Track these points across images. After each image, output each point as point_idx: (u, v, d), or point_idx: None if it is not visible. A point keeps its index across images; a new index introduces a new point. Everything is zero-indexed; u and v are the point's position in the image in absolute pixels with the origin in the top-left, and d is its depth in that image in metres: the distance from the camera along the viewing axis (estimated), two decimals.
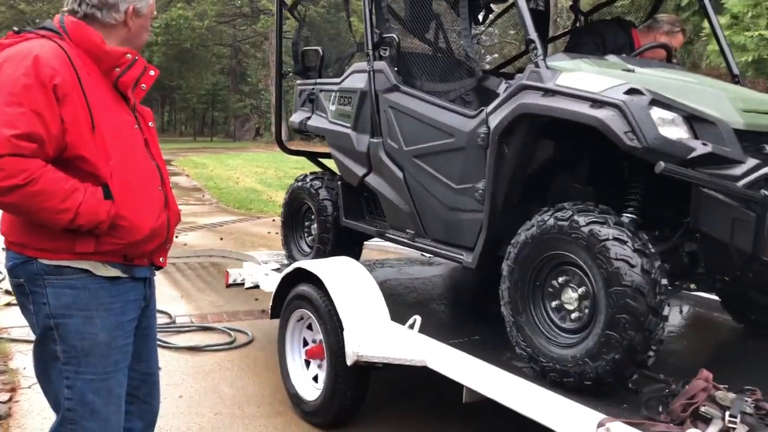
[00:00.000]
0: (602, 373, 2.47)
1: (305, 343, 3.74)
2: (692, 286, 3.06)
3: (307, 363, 3.71)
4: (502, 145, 3.01)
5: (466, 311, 3.82)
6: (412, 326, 3.17)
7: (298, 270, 3.69)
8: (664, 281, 2.51)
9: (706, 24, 7.08)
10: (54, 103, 1.84)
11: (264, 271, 4.59)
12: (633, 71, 2.96)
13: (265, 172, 17.88)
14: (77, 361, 1.99)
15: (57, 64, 1.87)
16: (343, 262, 3.67)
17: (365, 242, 4.67)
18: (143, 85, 2.10)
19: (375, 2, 3.82)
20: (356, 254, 4.42)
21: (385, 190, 3.86)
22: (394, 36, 3.74)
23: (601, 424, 2.25)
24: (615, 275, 2.42)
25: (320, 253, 4.34)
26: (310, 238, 4.62)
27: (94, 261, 1.99)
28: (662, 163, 2.43)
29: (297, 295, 3.68)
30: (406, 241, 3.81)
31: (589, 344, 2.52)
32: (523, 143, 2.96)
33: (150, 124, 2.18)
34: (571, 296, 2.66)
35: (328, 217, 4.30)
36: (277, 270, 4.46)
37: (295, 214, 4.70)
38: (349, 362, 3.20)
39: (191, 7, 36.42)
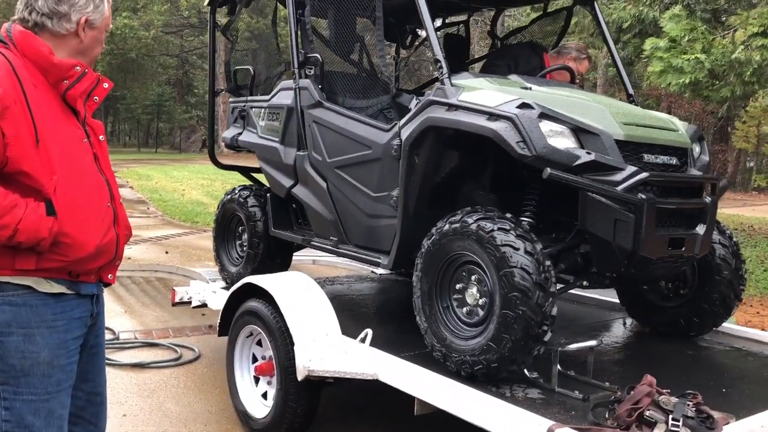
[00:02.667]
0: (506, 353, 2.66)
1: (254, 360, 3.69)
2: (585, 283, 3.27)
3: (257, 379, 3.66)
4: (413, 155, 3.26)
5: (417, 324, 3.84)
6: (363, 340, 3.18)
7: (247, 285, 3.65)
8: (548, 262, 2.73)
9: (645, 46, 7.37)
10: None
11: (212, 289, 4.52)
12: (530, 89, 3.24)
13: (212, 184, 17.62)
14: (16, 381, 1.91)
15: None
16: (294, 277, 3.65)
17: (316, 258, 4.68)
18: (96, 97, 2.04)
19: (300, 24, 4.01)
20: (286, 263, 4.64)
21: (310, 200, 4.07)
22: (318, 56, 3.96)
23: (550, 431, 2.30)
24: (502, 259, 2.66)
25: (250, 262, 4.49)
26: (240, 248, 4.74)
27: (37, 277, 1.93)
28: (548, 170, 2.72)
29: (246, 310, 3.63)
30: (330, 247, 4.01)
31: (491, 330, 2.71)
32: (430, 154, 3.23)
33: (101, 137, 2.11)
34: (473, 292, 2.88)
35: (258, 227, 4.44)
36: (226, 288, 4.40)
37: (227, 225, 4.83)
38: (299, 377, 3.18)
39: (137, 17, 35.75)
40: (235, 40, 4.98)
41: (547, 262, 2.72)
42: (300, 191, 4.16)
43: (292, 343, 3.23)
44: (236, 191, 4.70)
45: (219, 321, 3.91)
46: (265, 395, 3.60)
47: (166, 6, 36.40)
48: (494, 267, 2.69)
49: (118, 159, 27.90)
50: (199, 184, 18.16)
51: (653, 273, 3.17)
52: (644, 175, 2.86)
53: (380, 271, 5.28)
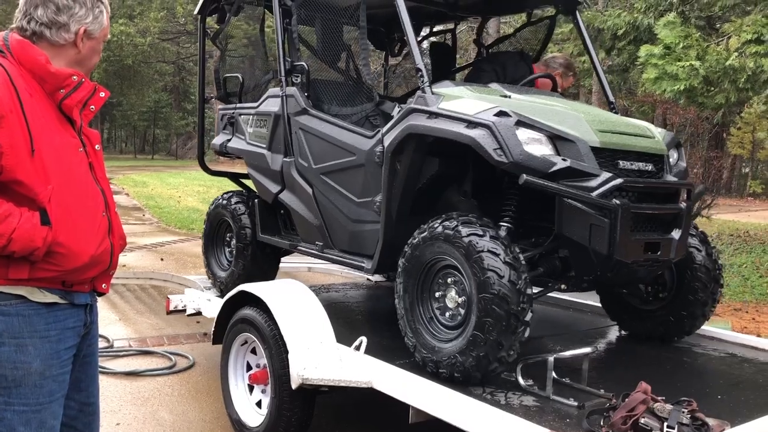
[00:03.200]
0: (484, 352, 2.72)
1: (249, 368, 3.68)
2: (563, 286, 3.36)
3: (251, 388, 3.64)
4: (395, 161, 3.35)
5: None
6: (358, 348, 3.16)
7: (242, 293, 3.64)
8: (523, 263, 2.81)
9: (640, 53, 7.39)
10: None
11: (206, 297, 4.51)
12: (509, 97, 3.33)
13: (208, 191, 17.61)
14: (8, 392, 1.90)
15: None
16: (288, 284, 3.63)
17: (312, 265, 4.69)
18: (92, 106, 2.03)
19: (287, 33, 4.08)
20: (274, 267, 4.71)
21: (296, 205, 4.15)
22: (304, 64, 4.04)
23: None
24: (478, 262, 2.73)
25: (238, 267, 4.55)
26: (229, 253, 4.80)
27: (31, 287, 1.91)
28: (524, 176, 2.80)
29: (240, 318, 3.62)
30: (315, 252, 4.08)
31: (469, 331, 2.77)
32: (412, 160, 3.31)
33: (96, 147, 2.09)
34: (452, 296, 2.95)
35: (246, 232, 4.51)
36: (221, 296, 4.39)
37: (216, 231, 4.89)
38: (294, 386, 3.16)
39: (134, 24, 35.77)
40: (224, 48, 5.08)
41: (522, 264, 2.78)
42: (287, 197, 4.23)
43: (287, 351, 3.22)
44: (224, 197, 4.76)
45: (213, 329, 3.89)
46: (259, 404, 3.58)
47: (163, 13, 36.43)
48: (470, 270, 2.75)
49: (115, 166, 27.87)
50: (195, 190, 18.15)
51: (630, 276, 3.23)
52: (619, 181, 2.93)
53: (376, 278, 5.28)
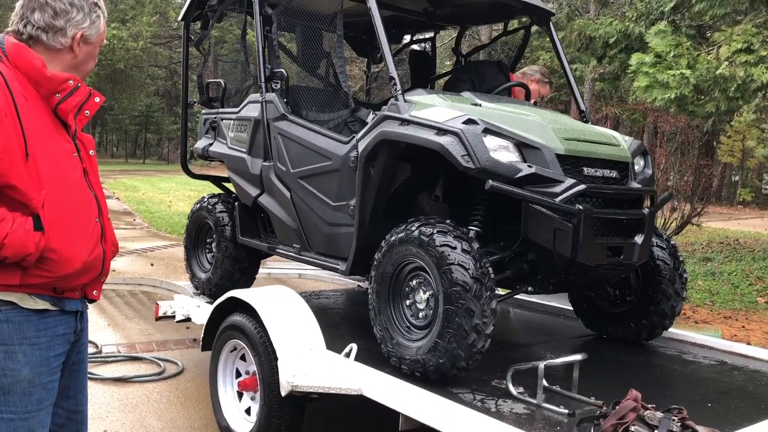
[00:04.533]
0: (452, 347, 2.80)
1: (238, 374, 3.66)
2: (530, 288, 3.45)
3: (240, 395, 3.62)
4: (368, 167, 3.44)
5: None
6: (348, 355, 3.15)
7: (231, 299, 3.62)
8: (485, 259, 2.89)
9: (631, 61, 7.43)
10: None
11: (196, 303, 4.49)
12: (479, 105, 3.43)
13: (199, 195, 17.52)
14: None
15: None
16: (278, 291, 3.62)
17: (302, 271, 4.68)
18: (87, 111, 2.02)
19: (267, 41, 4.16)
20: (253, 269, 4.75)
21: (275, 208, 4.23)
22: (283, 71, 4.11)
23: None
24: (441, 258, 2.82)
25: (218, 268, 4.62)
26: (210, 254, 4.86)
27: (21, 293, 1.89)
28: (490, 181, 2.91)
29: (230, 325, 3.60)
30: (293, 254, 4.16)
31: (437, 328, 2.86)
32: (385, 165, 3.40)
33: (91, 152, 2.08)
34: (421, 296, 3.05)
35: (226, 234, 4.58)
36: (210, 302, 4.37)
37: (197, 233, 4.97)
38: (283, 393, 3.14)
39: (126, 28, 35.72)
40: (207, 54, 5.16)
41: (490, 278, 2.86)
42: (265, 200, 4.30)
43: (276, 358, 3.20)
44: (206, 199, 4.85)
45: (202, 335, 3.87)
46: (248, 411, 3.55)
47: (155, 17, 36.44)
48: (435, 267, 2.85)
49: (106, 170, 27.75)
50: (186, 195, 18.09)
51: (595, 278, 3.32)
52: (582, 187, 3.02)
53: (366, 285, 5.27)
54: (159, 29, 38.29)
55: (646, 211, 3.34)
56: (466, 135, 2.96)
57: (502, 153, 2.99)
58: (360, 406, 3.03)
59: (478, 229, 3.21)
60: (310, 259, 4.02)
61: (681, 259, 3.79)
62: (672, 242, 3.83)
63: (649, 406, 2.46)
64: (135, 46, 35.61)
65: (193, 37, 5.06)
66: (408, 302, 3.12)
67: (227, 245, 4.56)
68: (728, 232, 14.86)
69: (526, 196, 2.97)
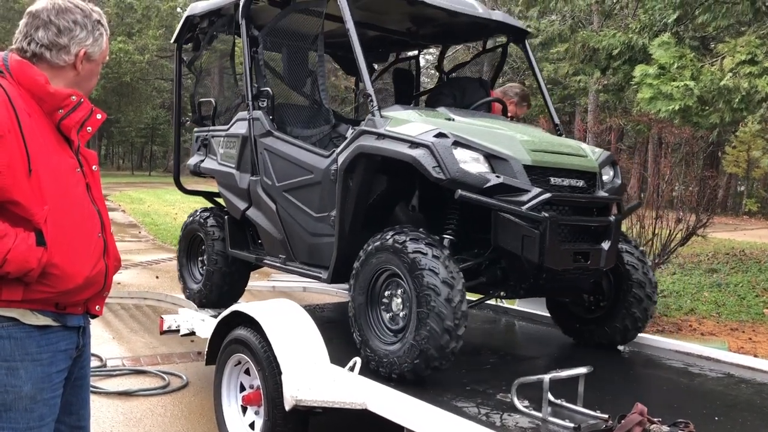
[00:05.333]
0: (426, 348, 2.95)
1: (242, 389, 3.65)
2: (502, 293, 3.61)
3: (244, 409, 3.61)
4: (347, 179, 3.61)
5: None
6: (352, 368, 3.14)
7: (235, 313, 3.62)
8: (454, 264, 3.04)
9: (635, 73, 7.43)
10: None
11: (200, 317, 4.49)
12: (453, 119, 3.61)
13: None
14: None
15: None
16: (282, 304, 3.61)
17: (307, 285, 4.70)
18: (89, 128, 2.03)
19: (254, 61, 4.32)
20: (243, 281, 4.94)
21: (262, 221, 4.39)
22: (269, 89, 4.30)
23: None
24: (413, 263, 2.98)
25: (209, 279, 4.79)
26: (202, 266, 5.01)
27: (23, 309, 1.89)
28: (459, 191, 3.07)
29: (234, 339, 3.59)
30: (279, 265, 4.33)
31: (411, 330, 3.02)
32: (363, 178, 3.58)
33: (94, 167, 2.09)
34: (397, 302, 3.20)
35: (216, 246, 4.76)
36: (214, 316, 4.37)
37: (189, 246, 5.14)
38: (287, 407, 3.13)
39: (132, 41, 35.94)
40: (199, 74, 5.36)
41: (461, 282, 3.01)
42: (253, 213, 4.47)
43: (280, 372, 3.19)
44: (198, 213, 5.03)
45: (207, 349, 3.86)
46: (252, 425, 3.54)
47: (161, 30, 36.62)
48: (408, 272, 3.01)
49: (112, 182, 27.87)
50: (192, 207, 18.05)
51: (564, 283, 3.49)
52: (547, 195, 3.19)
53: None
54: (165, 42, 38.44)
55: (612, 218, 3.51)
56: (437, 147, 3.13)
57: (472, 164, 3.16)
58: (365, 419, 3.01)
59: (452, 237, 3.38)
60: (295, 269, 4.19)
61: (649, 264, 3.93)
62: (640, 248, 3.99)
63: (655, 419, 2.45)
64: (141, 59, 35.79)
65: (185, 58, 5.26)
66: (384, 308, 3.26)
67: (218, 257, 4.74)
68: (734, 242, 14.80)
69: (494, 204, 3.15)
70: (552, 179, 3.31)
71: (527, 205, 3.15)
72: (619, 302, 3.85)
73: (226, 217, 4.76)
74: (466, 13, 4.27)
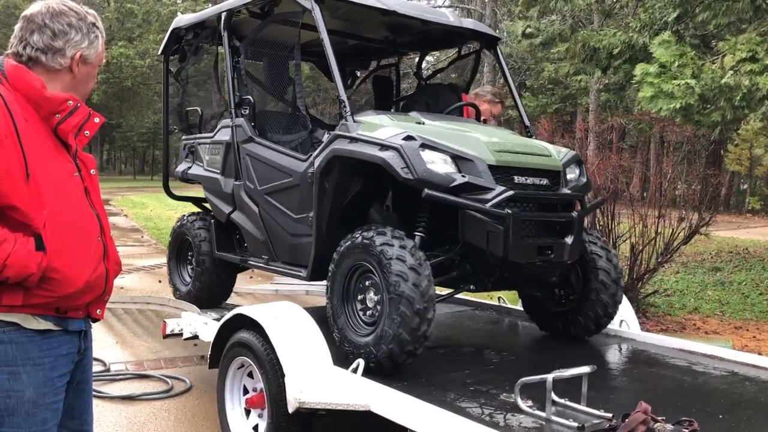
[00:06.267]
0: (398, 333, 3.10)
1: (245, 392, 3.64)
2: (472, 287, 3.74)
3: (248, 412, 3.61)
4: (323, 181, 3.78)
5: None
6: (355, 370, 3.14)
7: (238, 316, 3.62)
8: (420, 253, 3.23)
9: (636, 72, 7.42)
10: None
11: (203, 321, 4.49)
12: (423, 123, 3.80)
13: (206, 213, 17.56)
14: (0, 421, 1.87)
15: None
16: (284, 307, 3.61)
17: (309, 288, 4.82)
18: (87, 131, 2.03)
19: (236, 70, 4.52)
20: (230, 282, 5.14)
21: (245, 223, 4.58)
22: (250, 98, 4.48)
23: None
24: (381, 254, 3.17)
25: (197, 281, 5.00)
26: (190, 268, 5.21)
27: (24, 314, 1.89)
28: (426, 190, 3.26)
29: (237, 342, 3.59)
30: (262, 265, 4.51)
31: (384, 317, 3.17)
32: (338, 180, 3.76)
33: (92, 171, 2.09)
34: (371, 296, 3.35)
35: (203, 248, 4.95)
36: (217, 319, 4.38)
37: (179, 249, 5.36)
38: (290, 409, 3.13)
39: (133, 46, 36.03)
40: (185, 84, 5.52)
41: (427, 269, 3.19)
42: (237, 216, 4.66)
43: (283, 375, 3.19)
44: (185, 218, 5.23)
45: (209, 353, 3.86)
46: (256, 428, 3.54)
47: (162, 35, 36.67)
48: (377, 264, 3.19)
49: (114, 187, 27.89)
50: (194, 211, 18.11)
51: (530, 276, 3.69)
52: (510, 193, 3.36)
53: None
54: None
55: (575, 214, 3.68)
56: (405, 150, 3.31)
57: (439, 165, 3.33)
58: (368, 421, 3.01)
59: (422, 234, 3.56)
60: (277, 269, 4.36)
61: (614, 253, 4.09)
62: (603, 239, 4.14)
63: (659, 418, 2.44)
64: (142, 64, 35.88)
65: (172, 69, 5.42)
66: (360, 303, 3.41)
67: (205, 260, 4.93)
68: (737, 240, 14.77)
69: (460, 202, 3.32)
70: (516, 178, 3.48)
71: (491, 203, 3.32)
72: (587, 291, 3.98)
73: (212, 221, 4.96)
74: (438, 21, 4.47)
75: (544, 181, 3.62)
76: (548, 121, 8.12)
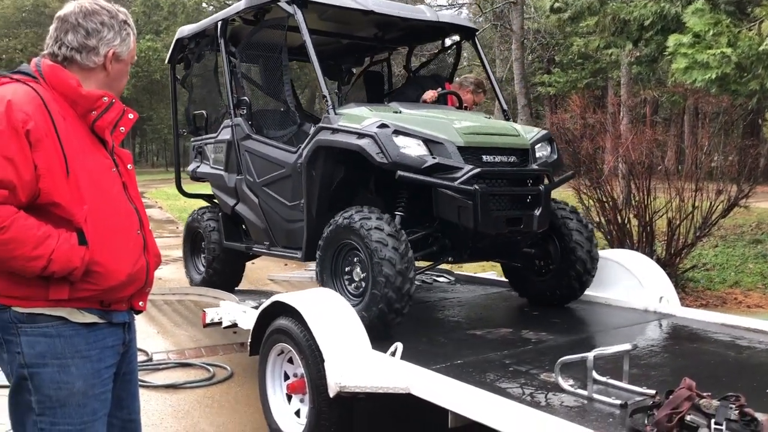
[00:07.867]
0: (385, 291, 3.42)
1: (286, 377, 3.69)
2: (450, 258, 4.09)
3: (289, 397, 3.65)
4: (311, 170, 4.15)
5: (447, 336, 3.82)
6: (393, 353, 3.16)
7: (276, 304, 3.65)
8: (398, 224, 3.65)
9: (669, 43, 7.25)
10: (27, 149, 1.81)
11: (242, 309, 4.55)
12: (400, 112, 4.09)
13: None
14: (53, 412, 1.93)
15: (30, 108, 1.84)
16: (322, 293, 3.64)
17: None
18: (122, 128, 2.07)
19: (233, 74, 4.90)
20: (240, 269, 5.60)
21: (248, 214, 4.97)
22: (247, 98, 4.88)
23: None
24: (361, 228, 3.51)
25: (210, 268, 5.43)
26: (203, 258, 5.60)
27: (70, 308, 1.94)
28: (399, 172, 3.58)
29: (276, 329, 3.63)
30: (265, 251, 4.92)
31: (370, 280, 3.49)
32: (324, 168, 4.12)
33: (129, 166, 2.14)
34: (358, 271, 3.68)
35: (213, 239, 5.40)
36: (255, 307, 4.43)
37: (192, 241, 5.82)
38: (331, 394, 3.16)
39: (160, 39, 36.34)
40: (191, 89, 5.89)
41: (403, 235, 3.53)
42: (241, 208, 5.05)
43: (323, 360, 3.22)
44: (196, 212, 5.71)
45: (249, 340, 3.91)
46: (298, 413, 3.59)
47: None
48: (359, 237, 3.53)
49: (147, 179, 28.29)
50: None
51: (503, 246, 4.07)
52: (477, 170, 3.66)
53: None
54: None
55: (542, 187, 3.97)
56: (379, 136, 3.63)
57: (413, 148, 3.63)
58: (408, 404, 3.02)
59: (402, 213, 3.89)
60: (277, 253, 4.75)
61: (586, 223, 4.38)
62: (578, 211, 4.44)
63: (705, 394, 2.39)
64: None
65: (178, 76, 5.84)
66: (348, 278, 3.74)
67: (215, 249, 5.37)
68: None
69: (430, 181, 3.63)
70: (484, 157, 3.78)
71: (459, 180, 3.62)
72: (565, 253, 4.29)
73: (219, 213, 5.41)
74: (415, 18, 4.84)
75: (512, 159, 3.92)
76: (579, 96, 7.97)
